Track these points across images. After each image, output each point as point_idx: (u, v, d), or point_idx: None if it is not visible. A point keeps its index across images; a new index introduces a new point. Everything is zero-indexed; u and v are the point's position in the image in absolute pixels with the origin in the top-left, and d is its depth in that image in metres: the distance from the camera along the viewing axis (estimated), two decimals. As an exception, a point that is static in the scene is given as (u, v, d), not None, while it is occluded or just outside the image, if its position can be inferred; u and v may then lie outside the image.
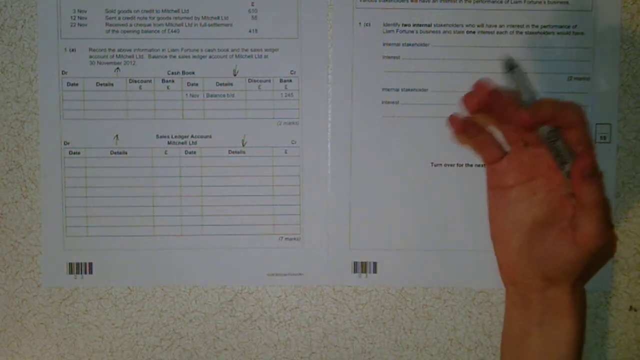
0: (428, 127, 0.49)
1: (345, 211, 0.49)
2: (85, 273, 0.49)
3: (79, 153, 0.49)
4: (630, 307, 0.49)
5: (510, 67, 0.37)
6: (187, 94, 0.49)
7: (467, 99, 0.36)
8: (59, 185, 0.49)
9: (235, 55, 0.49)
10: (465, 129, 0.37)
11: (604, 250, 0.36)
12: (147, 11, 0.48)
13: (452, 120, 0.37)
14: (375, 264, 0.49)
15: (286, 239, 0.49)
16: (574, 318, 0.38)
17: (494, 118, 0.37)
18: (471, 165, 0.49)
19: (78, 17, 0.48)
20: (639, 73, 0.48)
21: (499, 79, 0.37)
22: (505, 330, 0.41)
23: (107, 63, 0.48)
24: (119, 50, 0.48)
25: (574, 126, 0.35)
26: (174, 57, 0.48)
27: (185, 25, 0.48)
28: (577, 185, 0.34)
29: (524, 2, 0.48)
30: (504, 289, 0.42)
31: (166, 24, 0.48)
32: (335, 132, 0.49)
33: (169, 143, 0.49)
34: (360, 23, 0.48)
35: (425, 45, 0.48)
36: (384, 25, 0.48)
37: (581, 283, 0.38)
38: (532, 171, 0.38)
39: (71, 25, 0.48)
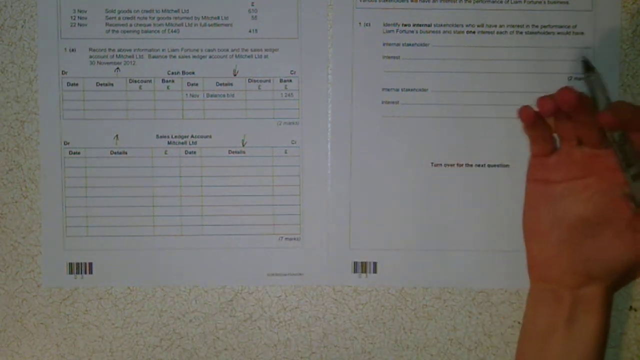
0: (428, 127, 0.49)
1: (345, 211, 0.49)
2: (85, 273, 0.49)
3: (79, 153, 0.49)
4: (630, 307, 0.49)
5: (589, 69, 0.37)
6: (187, 94, 0.49)
7: (525, 108, 0.36)
8: (59, 185, 0.49)
9: (235, 55, 0.49)
10: (535, 123, 0.37)
11: None
12: (147, 11, 0.48)
13: (524, 112, 0.37)
14: (375, 264, 0.49)
15: (286, 239, 0.49)
16: (603, 318, 0.38)
17: (571, 121, 0.36)
18: (471, 165, 0.49)
19: (78, 17, 0.48)
20: (639, 73, 0.48)
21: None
22: (526, 329, 0.40)
23: (107, 63, 0.48)
24: (119, 50, 0.48)
25: None
26: (174, 57, 0.48)
27: (185, 25, 0.48)
28: None
29: (524, 2, 0.48)
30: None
31: (166, 24, 0.48)
32: (335, 132, 0.49)
33: (169, 143, 0.49)
34: (360, 23, 0.48)
35: (425, 45, 0.48)
36: (384, 25, 0.48)
37: (618, 286, 0.38)
38: (584, 169, 0.38)
39: (71, 25, 0.48)
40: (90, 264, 0.49)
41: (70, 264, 0.49)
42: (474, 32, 0.48)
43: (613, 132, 0.35)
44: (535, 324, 0.39)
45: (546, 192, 0.39)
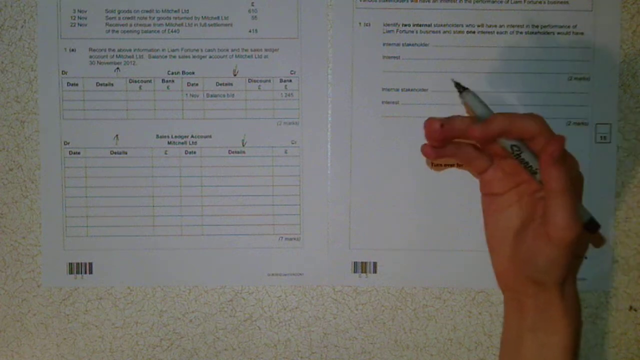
0: (428, 127, 0.49)
1: (345, 211, 0.49)
2: (85, 273, 0.49)
3: (79, 153, 0.49)
4: (630, 307, 0.49)
5: (461, 89, 0.39)
6: (187, 94, 0.49)
7: (424, 147, 0.38)
8: (59, 185, 0.49)
9: (235, 55, 0.49)
10: (439, 156, 0.39)
11: (577, 246, 0.37)
12: (147, 11, 0.48)
13: (425, 150, 0.39)
14: (375, 264, 0.49)
15: (286, 239, 0.49)
16: (567, 324, 0.38)
17: (457, 143, 0.39)
18: (471, 165, 0.49)
19: (78, 17, 0.48)
20: (639, 73, 0.48)
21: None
22: (502, 337, 0.42)
23: (107, 63, 0.48)
24: (119, 50, 0.48)
25: (534, 136, 0.36)
26: (174, 57, 0.48)
27: (185, 25, 0.48)
28: (545, 170, 0.35)
29: (524, 2, 0.48)
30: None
31: (166, 24, 0.48)
32: (335, 132, 0.49)
33: (169, 143, 0.49)
34: (360, 23, 0.48)
35: (425, 45, 0.48)
36: (384, 25, 0.48)
37: (569, 285, 0.39)
38: (516, 178, 0.39)
39: (71, 25, 0.48)
40: (90, 264, 0.49)
41: (70, 264, 0.49)
42: (474, 32, 0.48)
43: (507, 144, 0.37)
44: (508, 333, 0.41)
45: (493, 204, 0.41)
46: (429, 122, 0.38)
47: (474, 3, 0.48)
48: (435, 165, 0.49)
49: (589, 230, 0.38)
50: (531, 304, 0.39)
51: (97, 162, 0.49)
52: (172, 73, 0.49)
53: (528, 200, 0.39)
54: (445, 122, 0.37)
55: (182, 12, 0.48)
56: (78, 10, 0.48)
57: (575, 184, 0.38)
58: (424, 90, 0.48)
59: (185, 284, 0.49)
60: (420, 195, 0.49)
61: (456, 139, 0.38)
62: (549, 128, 0.36)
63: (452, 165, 0.49)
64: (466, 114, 0.39)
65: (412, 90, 0.48)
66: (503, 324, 0.42)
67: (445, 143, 0.38)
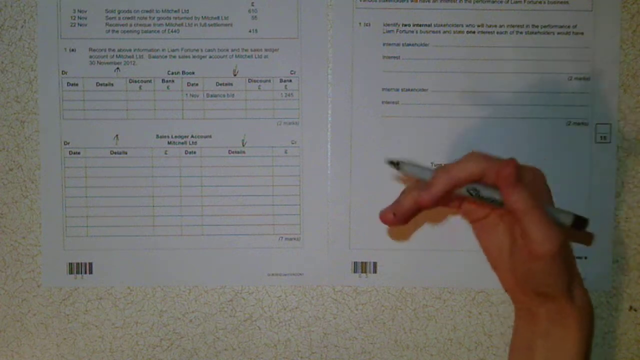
0: (428, 127, 0.49)
1: (345, 211, 0.49)
2: (85, 273, 0.49)
3: (79, 153, 0.49)
4: (630, 307, 0.49)
5: (395, 165, 0.40)
6: (187, 94, 0.49)
7: (384, 214, 0.40)
8: (59, 185, 0.49)
9: (235, 55, 0.49)
10: (402, 221, 0.40)
11: (566, 252, 0.37)
12: (147, 11, 0.48)
13: (385, 221, 0.40)
14: (375, 264, 0.49)
15: (286, 239, 0.49)
16: (579, 329, 0.38)
17: (414, 216, 0.40)
18: (471, 165, 0.49)
19: (78, 17, 0.48)
20: (639, 73, 0.48)
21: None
22: (512, 343, 0.42)
23: (107, 63, 0.48)
24: (119, 50, 0.48)
25: (482, 174, 0.37)
26: (174, 57, 0.48)
27: (185, 25, 0.48)
28: (507, 197, 0.36)
29: (524, 2, 0.48)
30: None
31: (166, 24, 0.48)
32: (335, 132, 0.49)
33: (169, 143, 0.49)
34: (360, 23, 0.48)
35: (425, 45, 0.48)
36: (384, 25, 0.48)
37: (577, 289, 0.39)
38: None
39: (71, 25, 0.48)
40: (90, 264, 0.49)
41: (70, 264, 0.49)
42: (474, 32, 0.48)
43: (463, 190, 0.38)
44: (519, 339, 0.41)
45: (483, 228, 0.41)
46: (383, 217, 0.40)
47: (474, 3, 0.48)
48: (435, 165, 0.49)
49: (579, 228, 0.38)
50: (543, 313, 0.39)
51: (97, 162, 0.49)
52: (172, 73, 0.49)
53: (508, 219, 0.39)
54: (396, 209, 0.39)
55: (182, 12, 0.48)
56: (78, 10, 0.48)
57: (541, 193, 0.38)
58: (424, 90, 0.48)
59: (185, 284, 0.49)
60: (420, 195, 0.49)
61: (414, 214, 0.40)
62: (491, 158, 0.37)
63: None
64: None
65: (412, 90, 0.48)
66: (513, 330, 0.42)
67: (407, 220, 0.40)
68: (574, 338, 0.38)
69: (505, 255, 0.40)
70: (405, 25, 0.48)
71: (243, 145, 0.49)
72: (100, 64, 0.48)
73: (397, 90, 0.49)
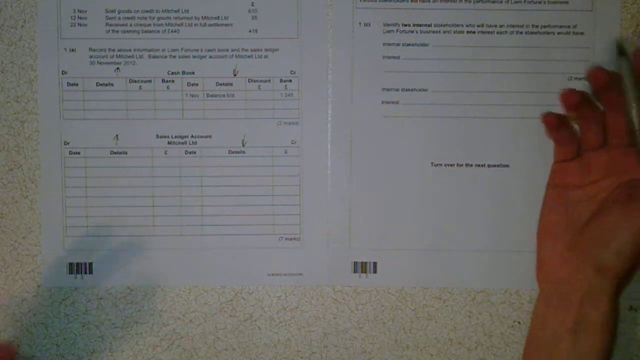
0: (428, 127, 0.49)
1: (345, 211, 0.49)
2: (85, 273, 0.49)
3: (79, 153, 0.49)
4: (630, 307, 0.49)
5: (620, 52, 0.39)
6: (187, 94, 0.49)
7: (570, 93, 0.38)
8: (59, 185, 0.49)
9: (235, 55, 0.49)
10: (559, 127, 0.39)
11: None
12: (147, 11, 0.48)
13: (547, 118, 0.39)
14: (375, 264, 0.49)
15: (286, 239, 0.49)
16: (609, 330, 0.37)
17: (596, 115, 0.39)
18: (471, 165, 0.49)
19: (78, 17, 0.48)
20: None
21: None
22: (534, 333, 0.40)
23: (107, 63, 0.48)
24: (119, 50, 0.48)
25: None
26: (174, 57, 0.48)
27: (185, 25, 0.48)
28: None
29: (524, 2, 0.48)
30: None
31: (166, 24, 0.48)
32: (335, 132, 0.49)
33: (169, 143, 0.49)
34: (360, 23, 0.48)
35: (425, 45, 0.48)
36: (384, 25, 0.48)
37: (621, 290, 0.38)
38: (599, 173, 0.39)
39: (71, 25, 0.48)
40: (90, 264, 0.49)
41: (70, 264, 0.49)
42: (474, 32, 0.48)
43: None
44: (542, 330, 0.39)
45: (564, 196, 0.40)
46: (598, 70, 0.37)
47: (474, 3, 0.48)
48: (435, 165, 0.49)
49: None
50: (577, 300, 0.38)
51: (97, 162, 0.49)
52: (172, 73, 0.49)
53: (608, 189, 0.38)
54: (612, 74, 0.37)
55: (182, 12, 0.48)
56: (78, 10, 0.48)
57: None
58: (424, 90, 0.48)
59: (185, 284, 0.49)
60: (420, 195, 0.49)
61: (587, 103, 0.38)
62: None
63: (452, 165, 0.49)
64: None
65: (412, 90, 0.48)
66: (534, 321, 0.40)
67: (580, 106, 0.38)
68: (602, 338, 0.37)
69: (577, 227, 0.39)
70: (406, 25, 0.48)
71: (243, 145, 0.49)
72: (100, 64, 0.48)
73: (397, 90, 0.49)
